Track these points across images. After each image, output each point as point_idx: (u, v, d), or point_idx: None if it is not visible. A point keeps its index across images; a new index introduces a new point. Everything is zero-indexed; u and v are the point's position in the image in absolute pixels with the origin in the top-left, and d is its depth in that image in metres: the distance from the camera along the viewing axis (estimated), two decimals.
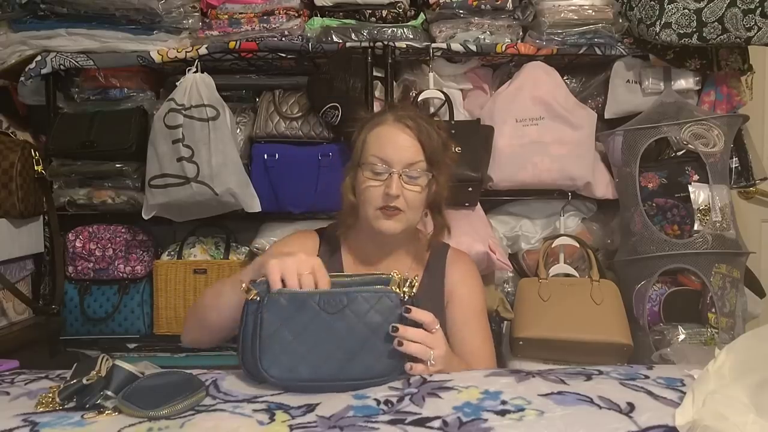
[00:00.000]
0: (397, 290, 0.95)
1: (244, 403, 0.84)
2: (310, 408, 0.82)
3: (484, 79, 2.01)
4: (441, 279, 1.40)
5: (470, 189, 1.79)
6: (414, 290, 0.96)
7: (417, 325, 0.96)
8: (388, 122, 1.34)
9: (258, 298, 0.94)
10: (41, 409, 0.85)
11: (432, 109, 1.93)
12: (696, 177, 1.84)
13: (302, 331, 0.92)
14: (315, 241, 1.43)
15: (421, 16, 1.92)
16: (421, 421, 0.76)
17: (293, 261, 0.97)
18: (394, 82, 1.96)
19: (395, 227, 1.31)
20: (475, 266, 1.47)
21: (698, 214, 1.78)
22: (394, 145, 1.31)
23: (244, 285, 0.96)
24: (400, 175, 1.30)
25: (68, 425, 0.79)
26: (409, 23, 1.90)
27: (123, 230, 1.99)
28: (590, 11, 1.84)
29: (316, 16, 1.93)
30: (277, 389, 0.91)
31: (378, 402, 0.83)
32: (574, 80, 2.03)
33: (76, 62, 1.87)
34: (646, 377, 0.89)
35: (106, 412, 0.82)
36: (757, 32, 1.73)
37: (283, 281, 0.96)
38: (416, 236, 1.44)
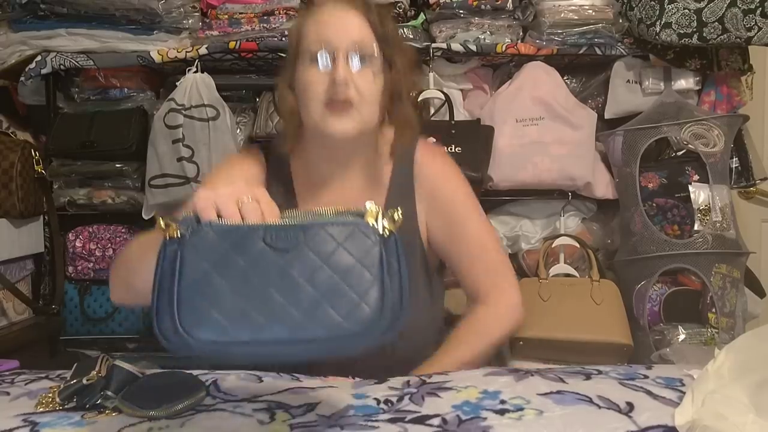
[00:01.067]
0: (375, 224, 0.70)
1: (244, 402, 0.84)
2: (311, 407, 0.82)
3: (484, 79, 2.01)
4: (410, 197, 1.16)
5: None
6: (396, 225, 0.70)
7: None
8: (329, 4, 1.11)
9: (178, 234, 0.68)
10: (41, 409, 0.85)
11: (432, 110, 1.94)
12: (696, 177, 1.84)
13: (241, 278, 0.66)
14: (260, 164, 1.20)
15: (421, 16, 1.92)
16: (421, 419, 0.76)
17: (229, 187, 0.72)
18: None
19: (347, 127, 1.06)
20: (452, 163, 1.24)
21: (698, 214, 1.78)
22: (338, 24, 1.08)
23: (161, 220, 0.69)
24: (348, 58, 1.05)
25: (68, 425, 0.79)
26: (409, 23, 1.90)
27: (123, 230, 1.99)
28: (590, 11, 1.84)
29: None
30: (277, 388, 0.90)
31: (378, 401, 0.83)
32: (574, 80, 2.03)
33: (76, 62, 1.88)
34: (646, 377, 0.89)
35: (106, 412, 0.82)
36: (757, 32, 1.73)
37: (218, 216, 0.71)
38: (376, 144, 1.17)
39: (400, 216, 0.71)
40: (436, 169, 1.20)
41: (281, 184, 1.18)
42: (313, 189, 1.16)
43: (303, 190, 1.17)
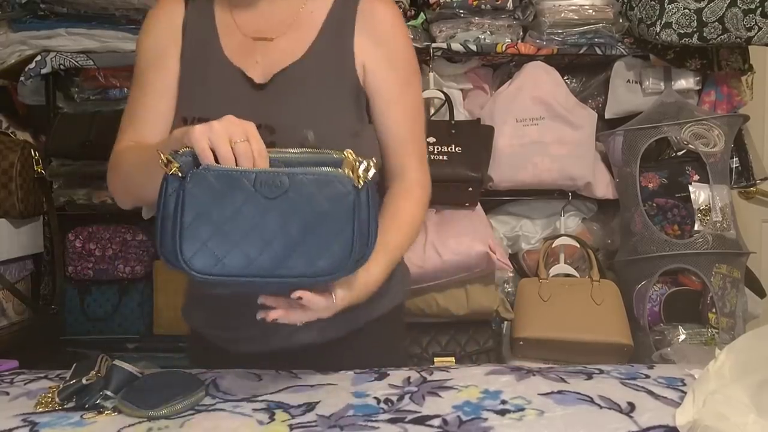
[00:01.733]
0: (351, 175, 0.79)
1: (243, 402, 0.84)
2: (310, 407, 0.82)
3: (485, 79, 2.01)
4: (348, 32, 1.04)
5: (470, 189, 1.79)
6: (369, 176, 0.79)
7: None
8: None
9: (181, 174, 0.77)
10: (40, 409, 0.84)
11: (432, 109, 1.93)
12: (696, 177, 1.84)
13: (235, 214, 0.77)
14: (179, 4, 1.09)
15: (421, 16, 1.92)
16: (421, 420, 0.76)
17: (222, 126, 0.78)
18: None
19: None
20: (401, 15, 1.13)
21: (699, 214, 1.78)
22: None
23: (162, 156, 0.76)
24: None
25: (68, 425, 0.79)
26: (409, 23, 1.90)
27: (123, 230, 1.98)
28: (591, 11, 1.84)
29: None
30: (277, 386, 0.90)
31: (378, 400, 0.83)
32: (574, 80, 2.03)
33: (76, 62, 1.87)
34: (647, 377, 0.89)
35: (106, 412, 0.82)
36: (757, 32, 1.73)
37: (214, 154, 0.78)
38: None
39: (374, 167, 0.80)
40: (388, 14, 1.06)
41: (203, 19, 1.07)
42: (238, 20, 1.06)
43: (225, 25, 1.06)
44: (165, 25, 1.09)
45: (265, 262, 0.77)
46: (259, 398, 0.85)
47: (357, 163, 0.79)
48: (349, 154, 0.80)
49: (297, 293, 0.80)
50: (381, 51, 1.04)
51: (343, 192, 0.78)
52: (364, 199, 0.80)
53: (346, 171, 0.79)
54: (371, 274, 0.92)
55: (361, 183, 0.79)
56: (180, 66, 1.06)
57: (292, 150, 0.82)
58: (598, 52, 1.89)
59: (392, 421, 0.76)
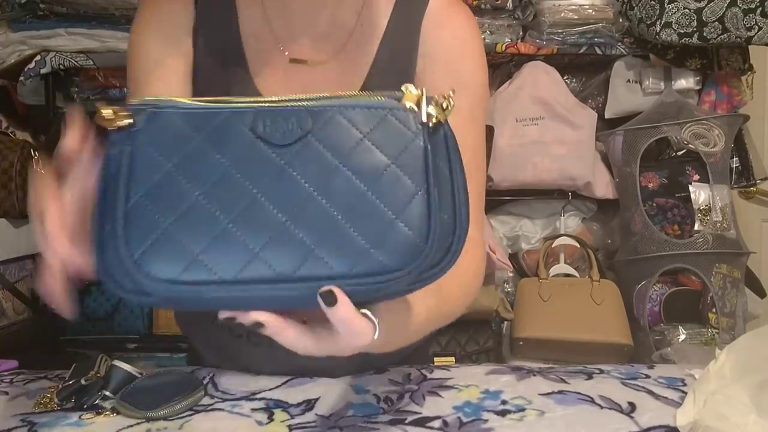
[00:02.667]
0: (415, 108, 0.50)
1: (242, 401, 0.84)
2: (309, 405, 0.81)
3: None
4: (411, 54, 0.81)
5: None
6: (447, 114, 0.50)
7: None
8: None
9: (130, 122, 0.48)
10: (39, 410, 0.84)
11: None
12: (696, 177, 1.84)
13: (220, 185, 0.47)
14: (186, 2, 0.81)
15: None
16: (422, 421, 0.75)
17: None
18: None
19: None
20: (476, 27, 0.85)
21: (699, 214, 1.78)
22: None
23: (101, 109, 0.48)
24: None
25: (66, 425, 0.78)
26: None
27: None
28: (590, 11, 1.83)
29: None
30: (275, 382, 0.89)
31: (378, 399, 0.83)
32: (574, 80, 2.03)
33: (76, 62, 1.87)
34: (647, 376, 0.89)
35: (105, 413, 0.82)
36: (757, 32, 1.73)
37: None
38: None
39: (452, 102, 0.50)
40: (456, 29, 0.82)
41: (220, 30, 0.80)
42: (272, 36, 0.79)
43: (254, 38, 0.80)
44: (167, 18, 0.82)
45: (277, 258, 0.45)
46: (258, 396, 0.85)
47: (424, 97, 0.51)
48: (410, 87, 0.51)
49: (326, 289, 0.45)
50: (447, 80, 0.79)
51: (407, 136, 0.49)
52: (442, 145, 0.50)
53: (408, 103, 0.51)
54: (417, 315, 0.60)
55: (435, 120, 0.50)
56: (188, 87, 0.82)
57: (313, 96, 0.51)
58: (598, 51, 1.89)
59: (392, 422, 0.75)
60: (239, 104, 0.50)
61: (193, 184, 0.47)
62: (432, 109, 0.50)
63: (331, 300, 0.44)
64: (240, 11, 0.81)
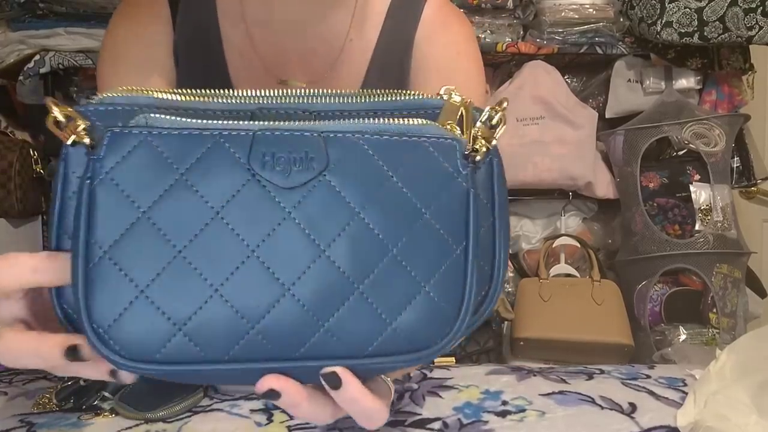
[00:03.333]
0: (458, 133, 0.41)
1: (241, 401, 0.84)
2: None
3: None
4: (407, 45, 0.78)
5: None
6: (497, 133, 0.41)
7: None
8: None
9: (89, 140, 0.38)
10: (38, 410, 0.84)
11: None
12: (697, 177, 1.84)
13: (205, 236, 0.37)
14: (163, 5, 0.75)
15: None
16: (421, 423, 0.75)
17: None
18: None
19: None
20: (469, 32, 0.80)
21: (699, 214, 1.78)
22: None
23: (55, 109, 0.38)
24: None
25: (65, 426, 0.78)
26: None
27: None
28: (591, 10, 1.83)
29: None
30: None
31: None
32: (574, 79, 2.02)
33: (75, 61, 1.87)
34: (648, 377, 0.89)
35: (103, 413, 0.81)
36: (758, 31, 1.73)
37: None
38: None
39: (505, 117, 0.41)
40: (450, 41, 0.78)
41: (202, 47, 0.75)
42: (257, 56, 0.74)
43: (239, 57, 0.75)
44: (146, 40, 0.74)
45: (276, 330, 0.37)
46: (257, 396, 0.85)
47: (468, 113, 0.41)
48: (452, 92, 0.41)
49: (329, 371, 0.38)
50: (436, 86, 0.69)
51: (445, 171, 0.39)
52: (487, 181, 0.41)
53: (450, 127, 0.41)
54: None
55: (483, 150, 0.40)
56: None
57: (332, 92, 0.41)
58: (599, 51, 1.89)
59: (392, 423, 0.75)
60: (233, 123, 0.38)
61: (172, 236, 0.36)
62: (480, 131, 0.41)
63: (335, 383, 0.39)
64: (223, 30, 0.76)
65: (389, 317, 0.38)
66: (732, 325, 1.72)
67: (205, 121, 0.38)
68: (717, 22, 1.71)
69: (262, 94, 0.40)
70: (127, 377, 0.39)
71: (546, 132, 1.85)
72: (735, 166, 1.92)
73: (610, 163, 1.94)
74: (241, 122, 0.39)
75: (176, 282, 0.36)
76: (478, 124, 0.41)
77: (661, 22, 1.73)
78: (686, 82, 1.92)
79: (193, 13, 0.75)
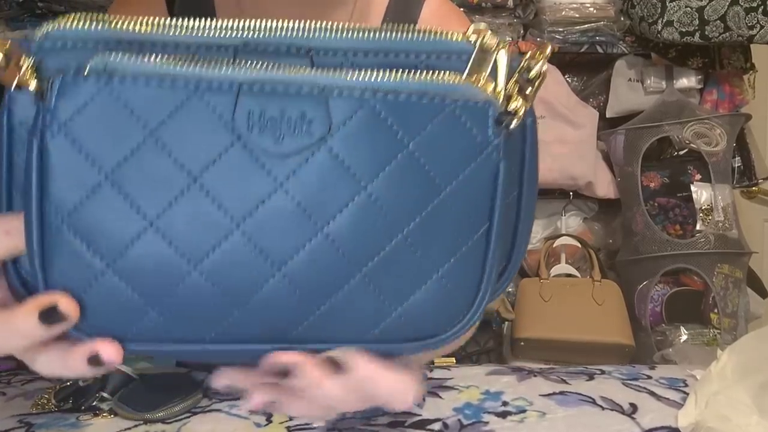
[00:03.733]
0: (489, 90, 0.32)
1: (239, 401, 0.83)
2: None
3: None
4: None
5: None
6: (536, 88, 0.33)
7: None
8: None
9: (36, 85, 0.30)
10: (37, 411, 0.84)
11: None
12: (698, 176, 1.83)
13: (178, 207, 0.31)
14: None
15: None
16: (422, 424, 0.75)
17: None
18: None
19: None
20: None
21: (700, 214, 1.78)
22: None
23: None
24: None
25: (64, 427, 0.78)
26: None
27: None
28: (592, 9, 1.83)
29: None
30: None
31: None
32: (575, 79, 2.02)
33: None
34: (649, 377, 0.88)
35: (102, 414, 0.81)
36: (759, 30, 1.72)
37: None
38: None
39: (543, 67, 0.33)
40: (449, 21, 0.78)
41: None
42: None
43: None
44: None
45: (267, 314, 0.33)
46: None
47: (505, 54, 0.33)
48: (483, 37, 0.33)
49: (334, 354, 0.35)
50: None
51: (473, 141, 0.32)
52: (518, 147, 0.35)
53: (481, 83, 0.32)
54: None
55: (520, 111, 0.33)
56: None
57: (334, 26, 0.33)
58: (600, 50, 1.88)
59: (392, 425, 0.75)
60: (212, 71, 0.30)
61: (142, 204, 0.31)
62: (516, 86, 0.33)
63: (340, 367, 0.35)
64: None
65: (394, 303, 0.34)
66: (733, 325, 1.71)
67: (177, 67, 0.30)
68: (718, 21, 1.71)
69: (248, 26, 0.33)
70: (110, 356, 0.33)
71: (546, 131, 1.84)
72: (736, 165, 1.92)
73: (610, 163, 1.93)
74: (221, 69, 0.31)
75: (147, 266, 0.32)
76: (523, 71, 0.33)
77: (662, 21, 1.73)
78: (687, 81, 1.91)
79: (191, 12, 0.75)
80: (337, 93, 0.31)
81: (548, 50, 0.33)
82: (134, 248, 0.31)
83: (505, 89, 0.33)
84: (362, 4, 0.76)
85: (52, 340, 0.33)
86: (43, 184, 0.30)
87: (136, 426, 0.77)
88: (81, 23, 0.31)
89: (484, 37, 0.33)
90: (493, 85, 0.33)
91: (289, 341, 0.34)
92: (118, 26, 0.31)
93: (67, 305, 0.31)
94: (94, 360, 0.33)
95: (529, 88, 0.33)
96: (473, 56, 0.33)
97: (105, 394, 0.83)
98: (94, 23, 0.31)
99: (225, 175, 0.31)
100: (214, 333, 0.33)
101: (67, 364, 0.34)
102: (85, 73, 0.30)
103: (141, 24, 0.32)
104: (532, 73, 0.33)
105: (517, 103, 0.33)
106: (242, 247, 0.31)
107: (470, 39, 0.33)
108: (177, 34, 0.32)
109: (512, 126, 0.33)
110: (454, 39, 0.33)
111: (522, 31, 1.92)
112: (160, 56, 0.31)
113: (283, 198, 0.31)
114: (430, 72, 0.32)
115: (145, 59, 0.30)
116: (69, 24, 0.32)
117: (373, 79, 0.31)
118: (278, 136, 0.31)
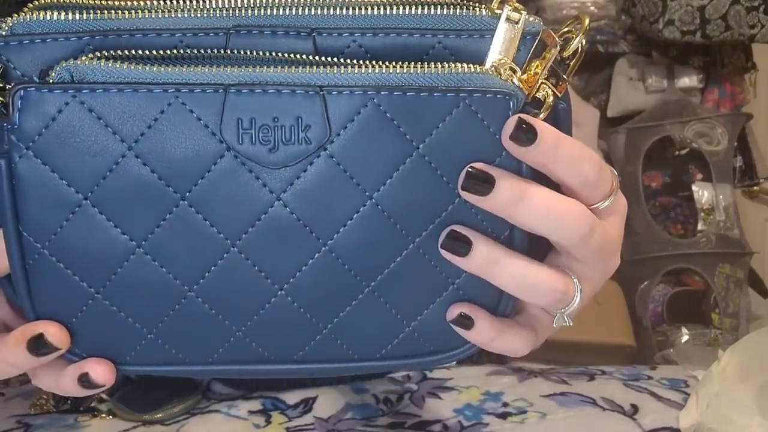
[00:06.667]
0: (512, 78, 0.29)
1: (239, 401, 0.83)
2: (307, 406, 0.81)
3: None
4: None
5: None
6: (572, 71, 0.31)
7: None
8: None
9: (2, 100, 0.27)
10: (35, 411, 0.84)
11: None
12: (699, 176, 1.83)
13: (169, 227, 0.29)
14: None
15: None
16: (421, 425, 0.75)
17: None
18: None
19: None
20: None
21: (702, 214, 1.78)
22: None
23: None
24: None
25: (62, 427, 0.78)
26: None
27: None
28: (593, 8, 1.83)
29: None
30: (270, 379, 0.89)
31: (377, 400, 0.82)
32: (576, 77, 2.02)
33: None
34: (650, 378, 0.88)
35: (100, 415, 0.81)
36: (760, 30, 1.72)
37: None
38: None
39: (584, 43, 0.29)
40: None
41: None
42: None
43: None
44: None
45: (268, 337, 0.32)
46: (254, 396, 0.84)
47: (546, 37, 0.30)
48: (509, 13, 0.29)
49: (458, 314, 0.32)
50: None
51: (492, 141, 0.29)
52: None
53: (503, 72, 0.29)
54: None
55: (549, 100, 0.30)
56: None
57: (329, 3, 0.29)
58: (600, 49, 1.88)
59: (392, 426, 0.75)
60: (194, 71, 0.27)
61: (127, 229, 0.29)
62: (545, 72, 0.29)
63: (467, 323, 0.32)
64: None
65: (407, 318, 0.32)
66: (734, 325, 1.71)
67: (155, 69, 0.27)
68: (719, 20, 1.71)
69: (239, 4, 0.29)
70: (101, 378, 0.32)
71: None
72: (737, 165, 1.92)
73: (611, 162, 1.93)
74: (205, 68, 0.28)
75: (138, 287, 0.30)
76: (545, 59, 0.29)
77: (663, 20, 1.72)
78: (688, 80, 1.91)
79: None
80: (336, 92, 0.28)
81: (587, 22, 0.29)
82: (123, 272, 0.30)
83: (542, 74, 0.29)
84: None
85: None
86: (17, 208, 0.28)
87: (134, 427, 0.77)
88: (50, 13, 0.28)
89: (509, 15, 0.29)
90: (515, 72, 0.29)
91: (296, 361, 0.33)
92: (95, 15, 0.29)
93: (55, 334, 0.30)
94: (85, 381, 0.32)
95: (561, 70, 0.29)
96: (495, 34, 0.29)
97: (103, 395, 0.82)
98: (66, 12, 0.28)
99: (215, 189, 0.29)
100: (216, 354, 0.32)
101: (58, 384, 0.33)
102: (51, 82, 0.27)
103: (121, 8, 0.29)
104: (569, 50, 0.29)
105: (545, 91, 0.30)
106: (239, 267, 0.30)
107: (497, 13, 0.29)
108: (162, 16, 0.29)
109: (540, 118, 0.30)
110: (477, 15, 0.29)
111: None
112: (134, 59, 0.28)
113: (281, 212, 0.29)
114: (442, 63, 0.29)
115: (117, 63, 0.27)
116: (36, 15, 0.28)
117: (376, 74, 0.28)
118: (272, 146, 0.28)
